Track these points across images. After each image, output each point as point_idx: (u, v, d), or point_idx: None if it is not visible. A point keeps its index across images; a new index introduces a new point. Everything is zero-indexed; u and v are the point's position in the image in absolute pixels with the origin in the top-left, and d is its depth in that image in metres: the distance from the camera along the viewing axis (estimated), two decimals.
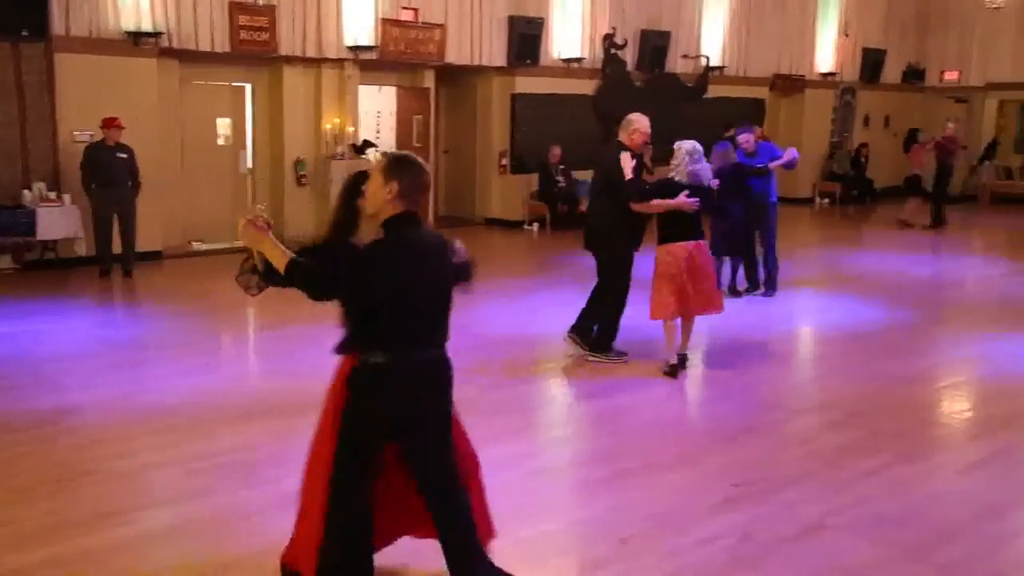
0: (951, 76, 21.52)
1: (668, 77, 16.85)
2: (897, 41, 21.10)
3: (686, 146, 7.16)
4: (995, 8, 18.89)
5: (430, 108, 14.98)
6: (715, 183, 7.45)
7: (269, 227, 3.35)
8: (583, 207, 15.53)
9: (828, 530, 4.56)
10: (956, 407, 6.91)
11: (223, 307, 9.41)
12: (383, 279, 3.26)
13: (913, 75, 21.63)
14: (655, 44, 16.46)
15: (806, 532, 4.52)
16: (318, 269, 3.28)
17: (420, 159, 3.46)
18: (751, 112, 18.02)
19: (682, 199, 6.95)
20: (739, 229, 9.60)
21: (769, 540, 4.42)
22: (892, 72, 21.23)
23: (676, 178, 7.11)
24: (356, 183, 3.50)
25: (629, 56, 16.21)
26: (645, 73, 16.52)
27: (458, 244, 3.64)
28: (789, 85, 19.21)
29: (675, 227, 7.06)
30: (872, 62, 20.56)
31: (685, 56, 17.07)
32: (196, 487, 4.92)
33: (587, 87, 15.88)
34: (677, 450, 5.63)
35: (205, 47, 12.04)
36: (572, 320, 7.63)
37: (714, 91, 17.47)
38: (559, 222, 15.05)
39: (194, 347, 7.94)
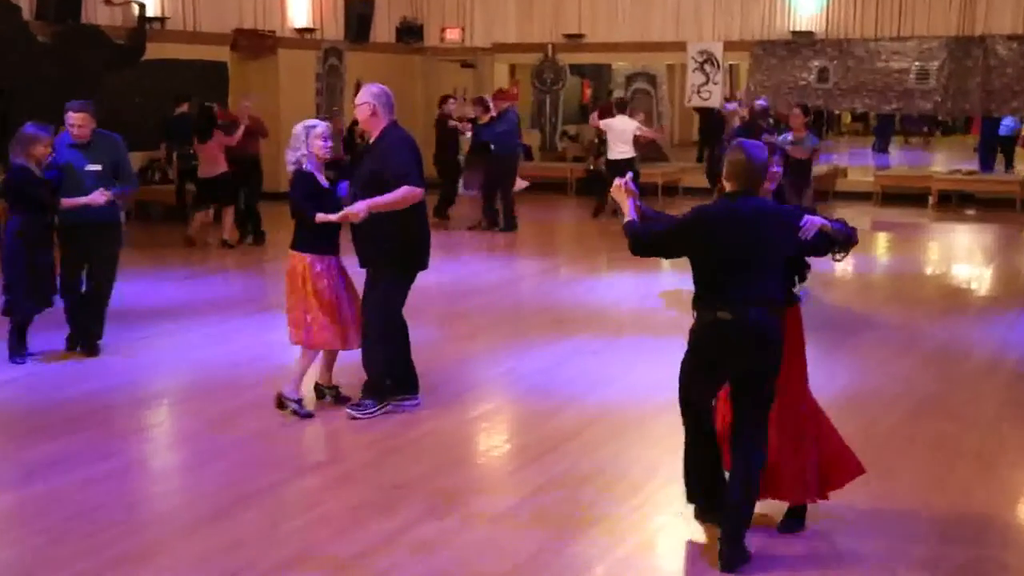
0: (453, 35, 23.48)
1: (87, 31, 16.42)
2: None
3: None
4: None
5: None
6: None
7: (633, 193, 5.47)
8: None
9: None
10: (491, 440, 7.54)
11: None
12: (683, 240, 5.30)
13: (409, 33, 23.27)
14: None
15: None
16: (642, 231, 5.35)
17: (752, 149, 5.20)
18: (211, 79, 18.20)
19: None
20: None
21: None
22: (384, 30, 22.68)
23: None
24: None
25: (24, 0, 15.58)
26: (52, 24, 15.95)
27: (806, 221, 5.19)
28: (257, 44, 19.65)
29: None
30: (358, 16, 21.74)
31: (109, 2, 16.78)
32: None
33: None
34: (131, 545, 5.50)
35: None
36: None
37: (157, 52, 17.31)
38: None
39: None
